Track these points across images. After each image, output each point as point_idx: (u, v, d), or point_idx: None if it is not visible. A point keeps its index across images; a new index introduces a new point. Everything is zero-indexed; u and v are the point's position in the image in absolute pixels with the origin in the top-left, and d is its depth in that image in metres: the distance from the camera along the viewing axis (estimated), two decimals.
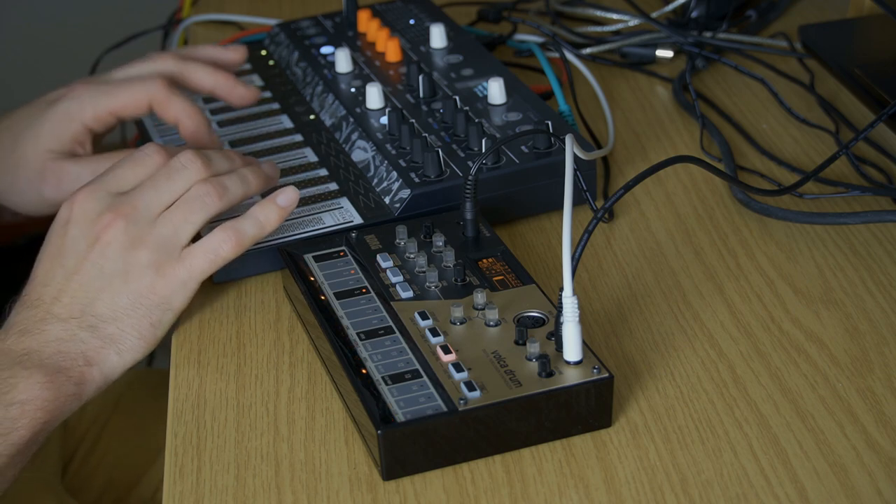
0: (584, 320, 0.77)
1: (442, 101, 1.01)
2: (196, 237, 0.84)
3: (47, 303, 0.80)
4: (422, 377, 0.73)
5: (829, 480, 0.70)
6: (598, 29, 1.20)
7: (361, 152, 0.97)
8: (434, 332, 0.76)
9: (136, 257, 0.80)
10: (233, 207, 0.86)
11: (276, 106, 1.07)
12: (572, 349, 0.72)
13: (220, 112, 1.07)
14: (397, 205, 0.90)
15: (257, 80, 1.12)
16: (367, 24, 1.14)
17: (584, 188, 0.92)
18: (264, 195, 0.89)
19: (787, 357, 0.79)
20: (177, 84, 0.97)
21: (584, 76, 1.11)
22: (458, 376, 0.72)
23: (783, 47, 1.16)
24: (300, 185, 0.95)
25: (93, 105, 0.94)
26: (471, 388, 0.71)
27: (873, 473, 0.70)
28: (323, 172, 0.96)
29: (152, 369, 1.72)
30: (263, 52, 1.17)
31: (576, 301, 0.72)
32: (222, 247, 0.82)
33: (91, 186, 0.83)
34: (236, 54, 1.02)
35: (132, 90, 0.94)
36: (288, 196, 0.85)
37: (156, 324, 0.81)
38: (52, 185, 0.93)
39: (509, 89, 1.01)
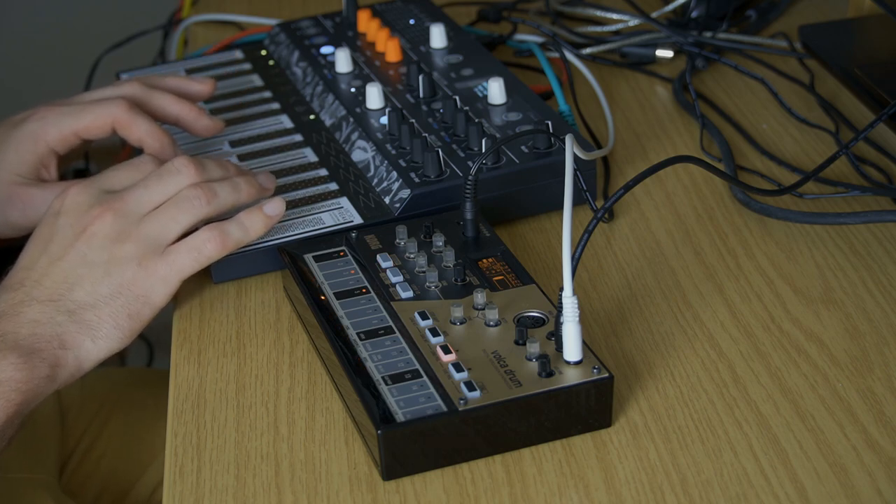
0: (584, 320, 0.77)
1: (442, 101, 1.00)
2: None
3: (28, 286, 0.80)
4: (422, 377, 0.73)
5: (829, 480, 0.70)
6: (598, 29, 1.20)
7: (361, 152, 0.97)
8: (434, 332, 0.76)
9: (120, 250, 0.82)
10: (222, 214, 0.86)
11: (276, 106, 1.07)
12: (572, 349, 0.72)
13: (221, 112, 1.07)
14: (397, 205, 0.90)
15: (257, 79, 1.12)
16: (367, 24, 1.14)
17: (584, 188, 0.92)
18: None
19: (787, 357, 0.79)
20: (140, 107, 0.97)
21: (584, 76, 1.11)
22: (458, 376, 0.72)
23: (783, 47, 1.16)
24: (300, 185, 0.95)
25: (57, 126, 0.93)
26: (471, 388, 0.71)
27: (873, 473, 0.70)
28: (323, 172, 0.96)
29: (152, 369, 1.72)
30: (263, 52, 1.17)
31: (576, 301, 0.72)
32: (206, 246, 0.83)
33: (84, 182, 0.85)
34: (204, 86, 1.01)
35: (95, 112, 0.93)
36: (275, 206, 0.86)
37: (133, 316, 0.82)
38: (18, 210, 0.93)
39: (509, 89, 1.01)
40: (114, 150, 1.26)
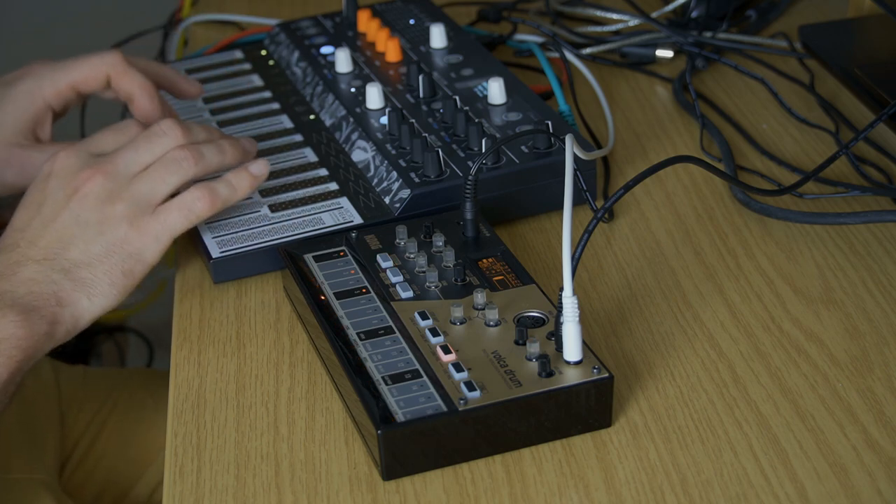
0: (584, 320, 0.77)
1: (442, 101, 1.00)
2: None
3: (23, 247, 0.82)
4: (422, 377, 0.73)
5: (829, 480, 0.70)
6: (598, 29, 1.20)
7: (361, 152, 0.97)
8: (434, 332, 0.76)
9: (111, 210, 0.83)
10: (208, 176, 0.88)
11: (276, 106, 1.07)
12: (572, 349, 0.72)
13: (221, 112, 1.07)
14: (397, 205, 0.90)
15: (257, 79, 1.12)
16: (367, 24, 1.14)
17: (584, 188, 0.92)
18: None
19: (787, 357, 0.79)
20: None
21: (584, 76, 1.11)
22: (458, 376, 0.72)
23: (783, 47, 1.16)
24: (300, 185, 0.95)
25: (52, 80, 0.95)
26: (471, 388, 0.71)
27: (873, 473, 0.70)
28: (323, 172, 0.96)
29: (152, 369, 1.72)
30: (263, 52, 1.17)
31: (576, 301, 0.72)
32: (196, 204, 0.85)
33: (73, 147, 0.87)
34: (190, 86, 1.03)
35: (90, 62, 0.96)
36: (259, 166, 0.89)
37: (127, 273, 0.83)
38: (15, 171, 0.95)
39: (509, 89, 1.01)
40: None
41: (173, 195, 0.86)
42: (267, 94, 1.10)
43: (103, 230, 0.83)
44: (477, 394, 0.71)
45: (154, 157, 0.86)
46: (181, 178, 0.85)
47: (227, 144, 0.89)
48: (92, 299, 0.82)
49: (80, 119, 1.47)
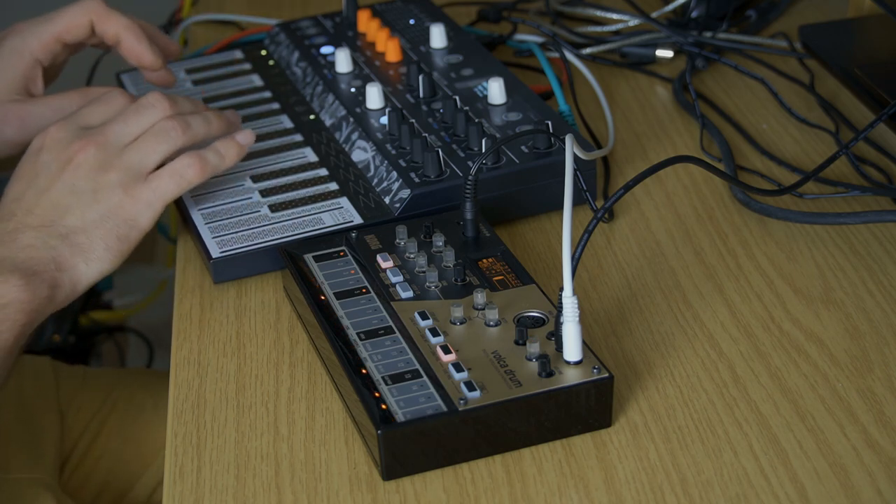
0: (584, 320, 0.77)
1: (442, 101, 1.00)
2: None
3: (19, 215, 0.84)
4: (422, 377, 0.73)
5: (829, 480, 0.70)
6: (598, 29, 1.20)
7: (361, 152, 0.97)
8: (434, 332, 0.76)
9: (105, 178, 0.85)
10: (195, 145, 0.90)
11: (276, 106, 1.07)
12: (572, 349, 0.72)
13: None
14: (397, 205, 0.90)
15: (257, 79, 1.12)
16: (367, 24, 1.14)
17: (584, 188, 0.92)
18: None
19: (787, 357, 0.79)
20: None
21: (584, 76, 1.11)
22: (458, 376, 0.72)
23: (783, 47, 1.16)
24: (300, 185, 0.95)
25: (37, 35, 0.97)
26: (471, 388, 0.71)
27: (873, 473, 0.70)
28: (323, 172, 0.96)
29: (152, 370, 1.72)
30: (263, 52, 1.17)
31: (576, 301, 0.72)
32: (187, 171, 0.87)
33: (63, 121, 0.88)
34: (169, 44, 1.05)
35: (71, 11, 0.97)
36: (245, 136, 0.92)
37: (122, 238, 0.85)
38: (14, 127, 0.96)
39: (509, 89, 1.01)
40: None
41: (162, 164, 0.88)
42: (267, 94, 1.10)
43: (98, 198, 0.84)
44: (477, 394, 0.71)
45: (142, 129, 0.88)
46: (170, 148, 0.87)
47: (212, 116, 0.91)
48: (89, 264, 0.84)
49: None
